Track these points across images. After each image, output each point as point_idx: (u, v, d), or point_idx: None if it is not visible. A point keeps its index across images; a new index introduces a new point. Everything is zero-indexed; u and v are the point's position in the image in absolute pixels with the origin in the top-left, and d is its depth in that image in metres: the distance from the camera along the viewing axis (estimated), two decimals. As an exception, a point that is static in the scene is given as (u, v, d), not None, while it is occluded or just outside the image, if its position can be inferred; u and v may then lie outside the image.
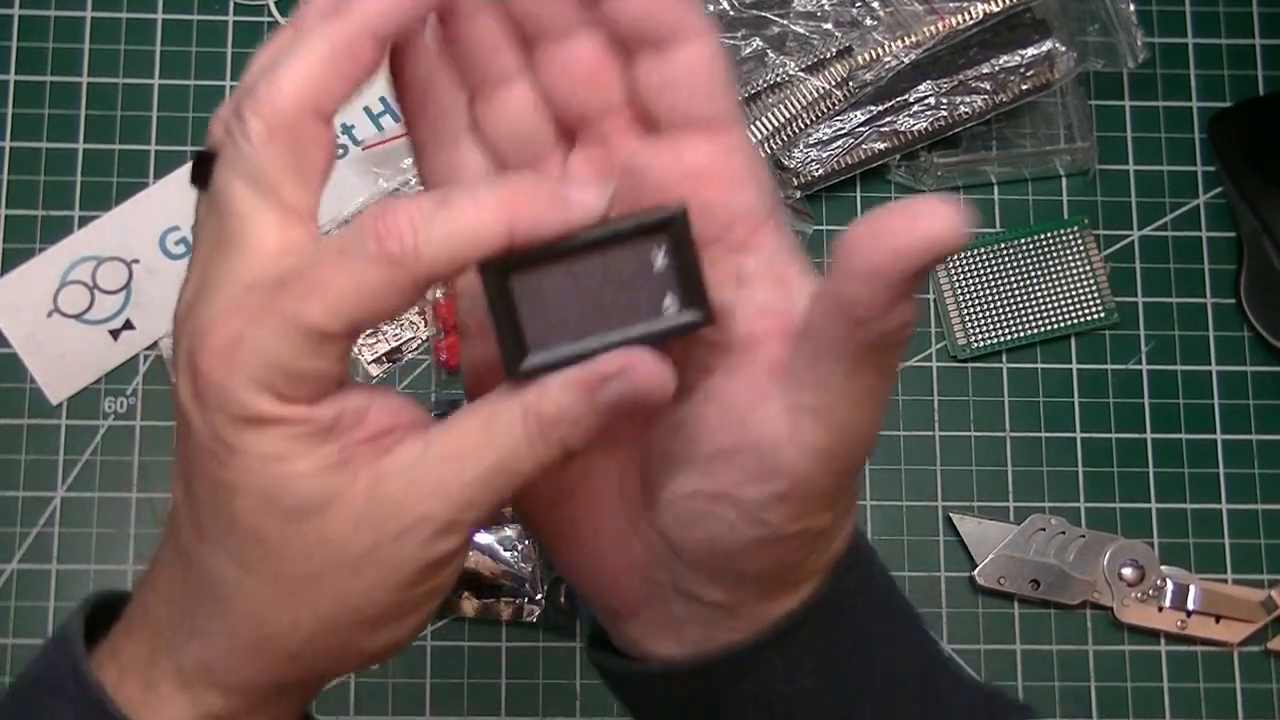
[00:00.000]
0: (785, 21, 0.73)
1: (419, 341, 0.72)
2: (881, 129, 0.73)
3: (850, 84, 0.72)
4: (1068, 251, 0.74)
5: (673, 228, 0.33)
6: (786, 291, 0.35)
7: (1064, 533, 0.71)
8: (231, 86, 0.74)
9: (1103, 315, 0.74)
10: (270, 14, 0.75)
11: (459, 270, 0.32)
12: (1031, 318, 0.74)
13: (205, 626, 0.35)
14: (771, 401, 0.33)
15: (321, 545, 0.33)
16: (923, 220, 0.30)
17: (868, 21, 0.73)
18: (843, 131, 0.73)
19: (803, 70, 0.72)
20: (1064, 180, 0.75)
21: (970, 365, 0.73)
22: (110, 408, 0.71)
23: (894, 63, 0.72)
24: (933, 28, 0.72)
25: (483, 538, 0.69)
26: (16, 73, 0.74)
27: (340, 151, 0.73)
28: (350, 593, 0.33)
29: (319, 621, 0.34)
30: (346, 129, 0.73)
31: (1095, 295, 0.74)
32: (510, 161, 0.36)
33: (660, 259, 0.33)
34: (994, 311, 0.74)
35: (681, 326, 0.33)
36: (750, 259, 0.35)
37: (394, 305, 0.32)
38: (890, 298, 0.30)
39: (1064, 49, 0.73)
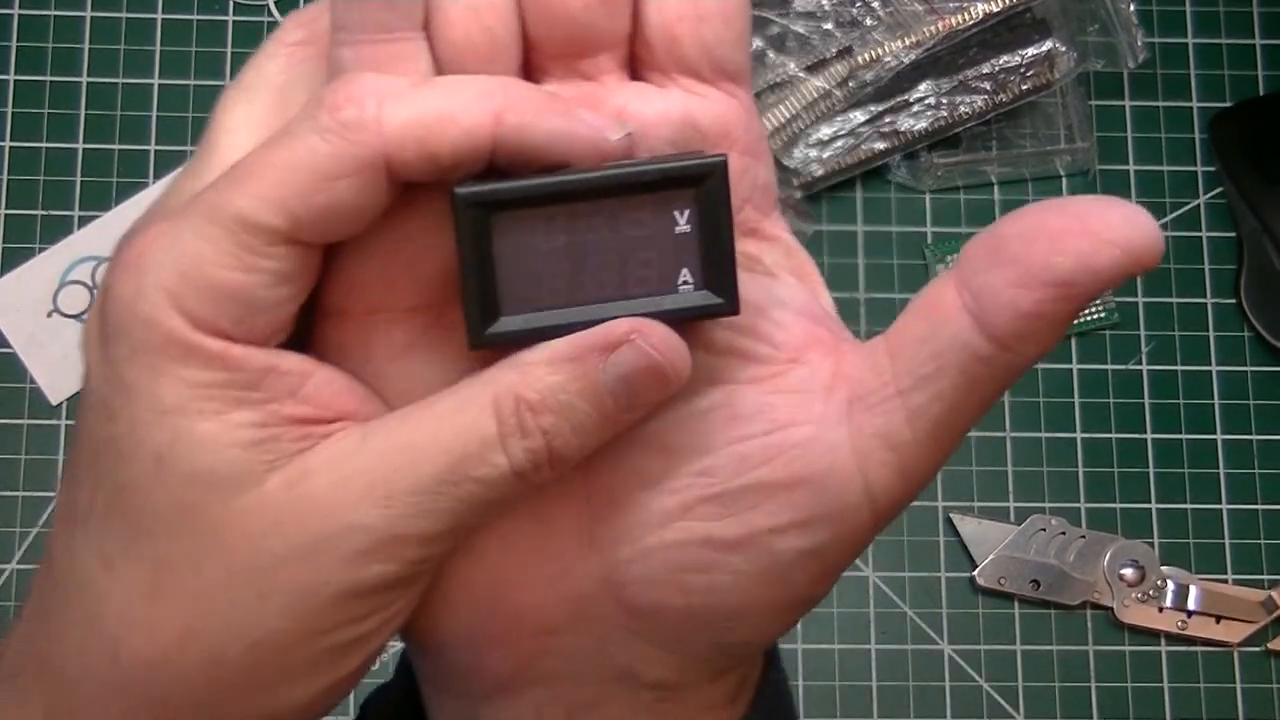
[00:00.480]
0: (785, 21, 0.73)
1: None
2: (881, 129, 0.73)
3: (850, 84, 0.72)
4: (1068, 251, 0.74)
5: (708, 183, 0.26)
6: (814, 292, 0.29)
7: (1064, 533, 0.71)
8: (231, 86, 0.74)
9: (1103, 315, 0.74)
10: (270, 14, 0.75)
11: (428, 162, 0.25)
12: (1031, 318, 0.74)
13: (54, 656, 0.27)
14: (835, 427, 0.26)
15: (216, 549, 0.25)
16: (1127, 230, 0.24)
17: (868, 21, 0.73)
18: (843, 131, 0.73)
19: (803, 70, 0.72)
20: (1064, 180, 0.75)
21: (970, 365, 0.73)
22: (110, 408, 0.71)
23: (894, 63, 0.72)
24: (933, 28, 0.72)
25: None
26: (16, 73, 0.74)
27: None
28: (245, 619, 0.26)
29: (198, 653, 0.26)
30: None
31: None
32: None
33: (684, 221, 0.26)
34: (994, 311, 0.73)
35: (698, 309, 0.27)
36: (766, 249, 0.29)
37: (345, 193, 0.25)
38: (1063, 316, 0.24)
39: (1064, 49, 0.73)
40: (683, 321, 0.27)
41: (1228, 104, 0.76)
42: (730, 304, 0.27)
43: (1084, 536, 0.71)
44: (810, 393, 0.27)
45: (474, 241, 0.26)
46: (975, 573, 0.70)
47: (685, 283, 0.27)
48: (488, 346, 0.26)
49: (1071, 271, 0.24)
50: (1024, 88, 0.73)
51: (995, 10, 0.72)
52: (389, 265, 0.27)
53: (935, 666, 0.70)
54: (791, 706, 0.33)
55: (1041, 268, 0.24)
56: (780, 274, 0.28)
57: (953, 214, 0.75)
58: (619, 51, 0.27)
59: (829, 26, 0.73)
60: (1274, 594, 0.70)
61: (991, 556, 0.70)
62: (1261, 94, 0.77)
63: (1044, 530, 0.71)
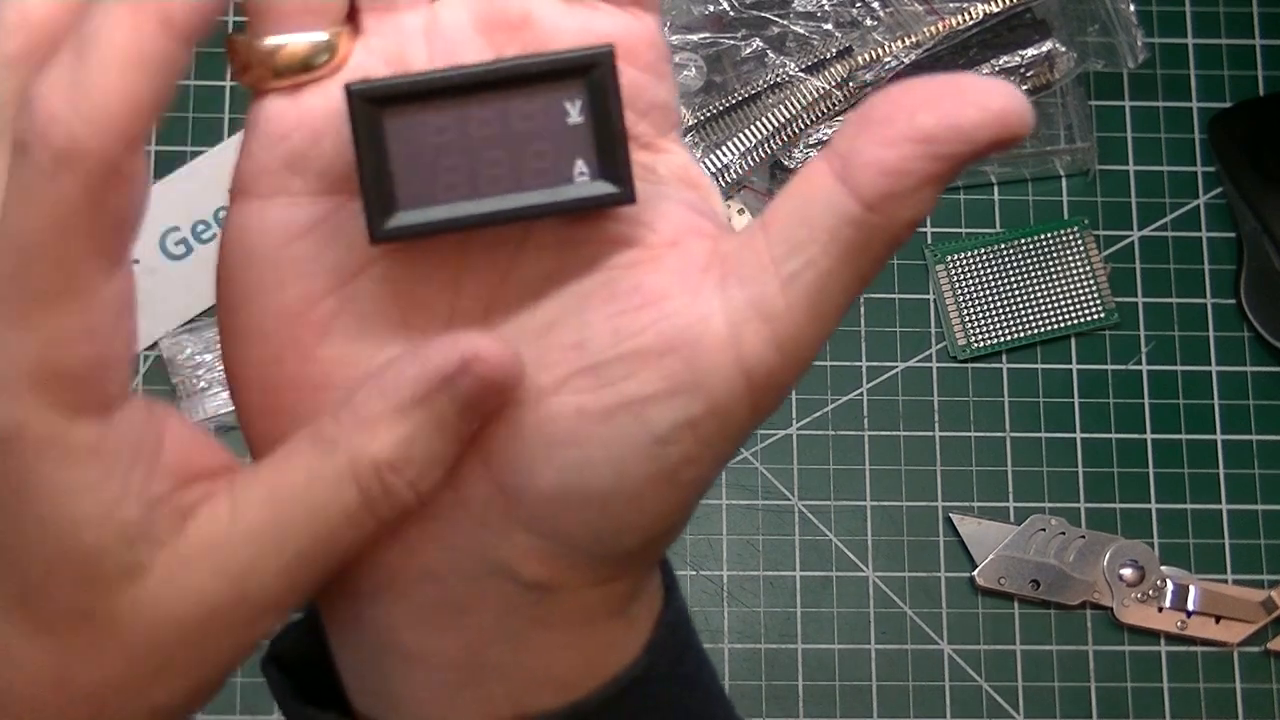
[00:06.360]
0: (785, 21, 0.73)
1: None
2: (881, 129, 0.73)
3: (850, 84, 0.72)
4: (1068, 251, 0.74)
5: (596, 73, 0.27)
6: (705, 196, 0.29)
7: (1064, 533, 0.71)
8: (232, 87, 0.74)
9: (1103, 315, 0.74)
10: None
11: (139, 130, 0.24)
12: (1031, 318, 0.74)
13: None
14: (708, 298, 0.27)
15: (113, 642, 0.27)
16: (995, 96, 0.25)
17: (868, 21, 0.73)
18: (843, 132, 0.73)
19: (803, 70, 0.72)
20: (1064, 180, 0.75)
21: (970, 365, 0.73)
22: (110, 408, 0.71)
23: (894, 63, 0.72)
24: (933, 28, 0.72)
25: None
26: (16, 73, 0.74)
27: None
28: (149, 690, 0.27)
29: None
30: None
31: (1095, 295, 0.74)
32: None
33: (575, 112, 0.27)
34: (994, 311, 0.74)
35: (594, 199, 0.27)
36: (660, 160, 0.29)
37: (93, 223, 0.24)
38: (928, 175, 0.25)
39: (1064, 49, 0.73)
40: (580, 212, 0.27)
41: (1228, 104, 0.76)
42: (627, 193, 0.27)
43: (1084, 536, 0.71)
44: (686, 270, 0.27)
45: (368, 136, 0.26)
46: (975, 573, 0.70)
47: (581, 174, 0.27)
48: (387, 240, 0.27)
49: (935, 127, 0.25)
50: (1024, 88, 0.73)
51: (995, 10, 0.72)
52: (290, 153, 0.28)
53: (935, 666, 0.70)
54: (687, 657, 0.33)
55: (905, 124, 0.25)
56: (670, 181, 0.29)
57: (953, 214, 0.75)
58: None
59: (829, 27, 0.73)
60: (1274, 594, 0.70)
61: (991, 556, 0.70)
62: (1261, 94, 0.77)
63: (1044, 530, 0.71)
